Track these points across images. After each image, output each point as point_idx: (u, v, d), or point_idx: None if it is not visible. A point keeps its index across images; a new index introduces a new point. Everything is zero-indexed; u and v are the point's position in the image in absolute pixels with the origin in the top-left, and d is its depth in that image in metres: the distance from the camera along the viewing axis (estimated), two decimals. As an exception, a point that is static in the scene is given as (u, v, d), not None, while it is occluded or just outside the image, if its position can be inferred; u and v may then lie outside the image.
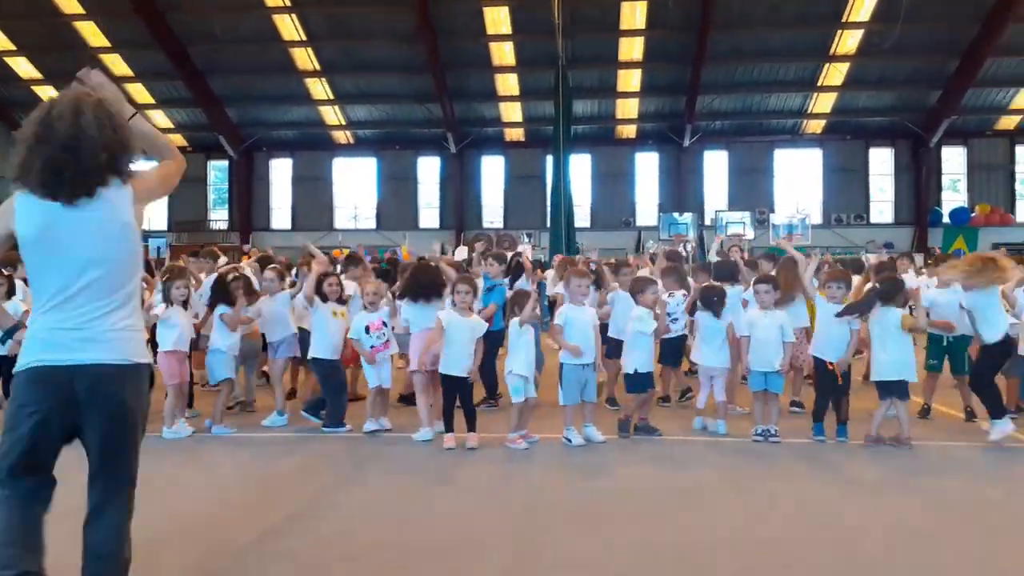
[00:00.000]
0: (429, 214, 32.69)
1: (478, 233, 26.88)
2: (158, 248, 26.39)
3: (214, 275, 8.65)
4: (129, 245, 2.85)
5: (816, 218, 29.18)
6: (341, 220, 32.80)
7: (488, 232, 28.14)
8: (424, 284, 7.26)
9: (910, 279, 9.26)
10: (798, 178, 31.09)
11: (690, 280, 8.63)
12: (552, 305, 9.90)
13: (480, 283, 7.93)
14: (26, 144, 2.78)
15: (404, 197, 32.48)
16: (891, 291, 6.66)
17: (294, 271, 9.82)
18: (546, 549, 4.27)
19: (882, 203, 31.25)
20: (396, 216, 32.02)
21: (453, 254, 18.47)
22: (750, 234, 24.19)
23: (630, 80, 28.48)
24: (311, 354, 7.33)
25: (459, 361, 6.54)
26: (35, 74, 28.45)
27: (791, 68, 27.61)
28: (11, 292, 7.39)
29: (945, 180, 31.10)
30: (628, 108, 30.14)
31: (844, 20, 25.29)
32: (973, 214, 29.10)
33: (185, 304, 7.24)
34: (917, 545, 4.35)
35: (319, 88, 29.34)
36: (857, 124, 30.16)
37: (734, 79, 27.92)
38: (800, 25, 25.58)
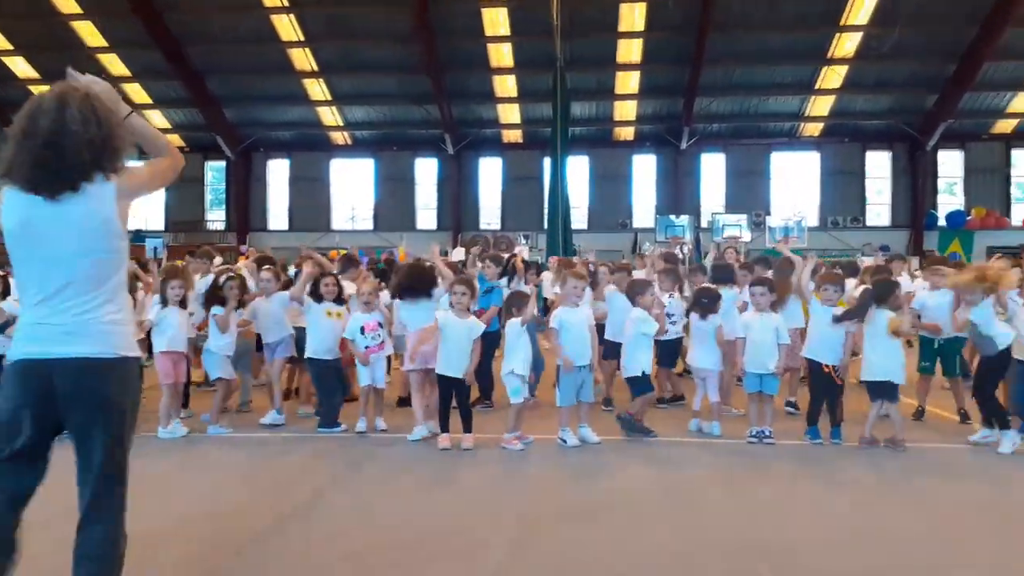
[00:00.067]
0: (426, 215, 32.69)
1: (475, 235, 26.92)
2: (155, 248, 26.36)
3: (209, 276, 8.67)
4: (111, 241, 2.82)
5: (813, 221, 29.23)
6: (338, 221, 32.79)
7: (485, 234, 28.19)
8: (414, 282, 7.27)
9: (905, 282, 9.29)
10: (795, 181, 31.13)
11: (686, 282, 8.66)
12: (548, 307, 9.92)
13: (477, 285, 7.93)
14: (14, 139, 2.79)
15: (401, 198, 32.49)
16: (884, 293, 6.68)
17: (292, 270, 9.84)
18: (541, 549, 4.28)
19: (879, 206, 31.32)
20: (393, 217, 32.03)
21: (450, 255, 18.48)
22: (747, 236, 24.21)
23: (628, 82, 28.52)
24: (306, 354, 7.35)
25: (456, 362, 6.56)
26: (32, 73, 28.42)
27: (789, 71, 27.67)
28: (6, 291, 7.39)
29: (941, 183, 31.17)
30: (626, 110, 30.18)
31: (842, 23, 25.36)
32: (969, 217, 29.17)
33: (183, 304, 7.24)
34: (910, 548, 4.35)
35: (317, 89, 29.35)
36: (854, 127, 30.22)
37: (732, 81, 27.97)
38: (798, 28, 25.64)
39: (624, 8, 25.28)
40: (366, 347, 7.10)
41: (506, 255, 9.51)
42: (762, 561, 4.11)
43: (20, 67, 28.52)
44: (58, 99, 2.78)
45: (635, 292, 7.12)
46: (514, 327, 6.81)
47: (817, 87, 28.09)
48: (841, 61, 26.80)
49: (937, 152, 30.18)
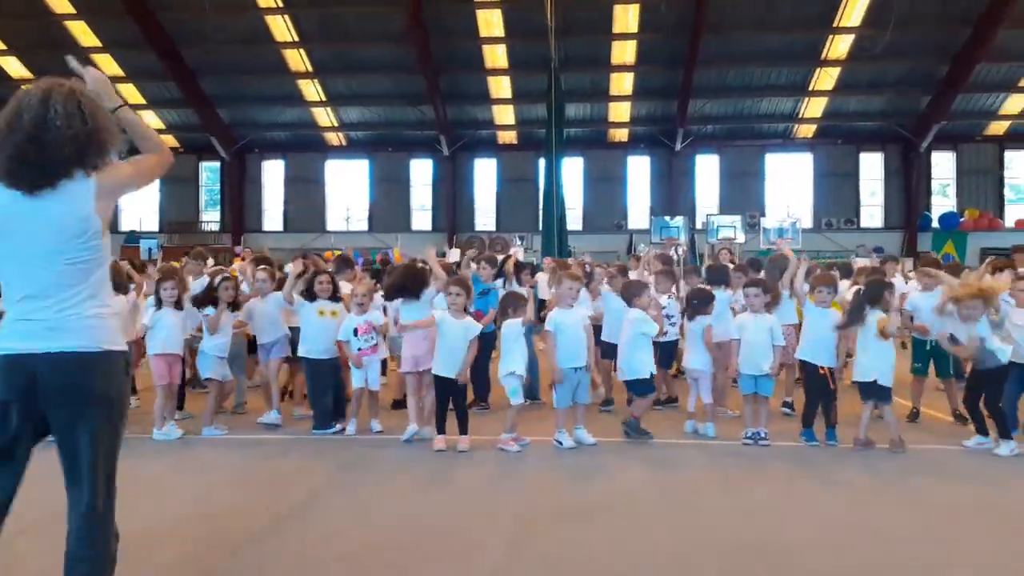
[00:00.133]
0: (422, 216, 32.69)
1: (471, 236, 26.92)
2: (149, 249, 26.31)
3: (203, 277, 8.69)
4: (89, 240, 2.78)
5: (807, 222, 29.29)
6: (333, 222, 32.76)
7: (481, 235, 28.19)
8: (405, 283, 7.26)
9: (899, 283, 9.32)
10: (789, 182, 31.23)
11: (682, 283, 8.69)
12: (544, 308, 9.93)
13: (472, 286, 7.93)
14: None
15: (396, 199, 32.48)
16: (876, 293, 6.69)
17: (287, 268, 9.82)
18: (537, 550, 4.29)
19: (872, 207, 31.43)
20: (388, 218, 32.02)
21: (447, 256, 18.48)
22: (741, 238, 24.24)
23: (622, 83, 28.57)
24: (299, 352, 7.36)
25: (452, 363, 6.57)
26: (26, 74, 28.30)
27: (782, 72, 27.75)
28: None
29: (935, 185, 31.30)
30: (620, 112, 30.23)
31: (835, 25, 25.44)
32: (962, 219, 29.29)
33: (178, 305, 7.22)
34: (905, 548, 4.38)
35: (311, 89, 29.33)
36: (848, 128, 30.32)
37: (726, 83, 28.04)
38: (791, 30, 25.72)
39: (618, 9, 25.33)
40: (359, 349, 7.09)
41: (501, 256, 9.52)
42: (758, 561, 4.12)
43: (13, 67, 28.43)
44: (43, 94, 2.77)
45: (632, 293, 7.13)
46: (513, 328, 6.79)
47: (810, 89, 28.19)
48: (834, 63, 26.88)
49: (930, 154, 30.28)
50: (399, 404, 8.11)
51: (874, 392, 6.57)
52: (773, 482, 5.73)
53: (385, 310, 7.99)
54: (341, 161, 32.90)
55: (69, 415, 2.75)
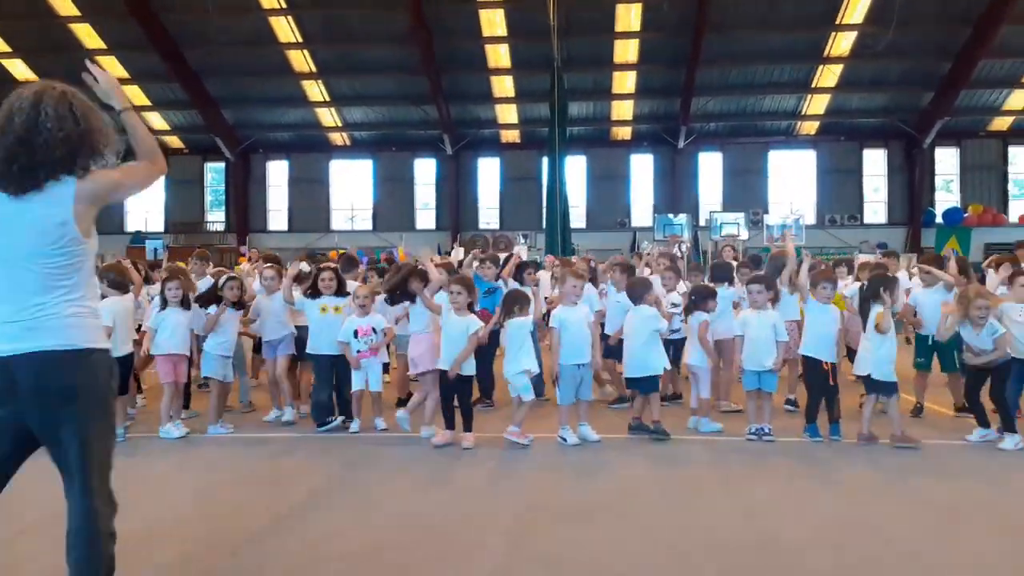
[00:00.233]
0: (425, 215, 32.74)
1: (474, 234, 26.95)
2: (155, 250, 26.41)
3: (205, 278, 8.75)
4: (67, 244, 2.77)
5: (810, 219, 29.24)
6: (338, 222, 32.84)
7: (484, 234, 28.23)
8: (401, 284, 7.29)
9: (903, 278, 9.33)
10: (792, 179, 31.22)
11: (684, 280, 8.71)
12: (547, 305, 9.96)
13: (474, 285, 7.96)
14: None
15: (400, 199, 32.53)
16: (875, 288, 6.71)
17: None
18: (540, 548, 4.31)
19: (876, 204, 31.40)
20: (392, 217, 32.07)
21: (452, 255, 18.52)
22: (744, 235, 24.26)
23: (625, 82, 28.58)
24: (307, 349, 7.42)
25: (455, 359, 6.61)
26: (31, 76, 28.40)
27: (785, 70, 27.73)
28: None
29: (938, 181, 31.25)
30: (623, 110, 30.24)
31: (838, 22, 25.42)
32: (966, 214, 29.24)
33: (184, 304, 7.26)
34: (907, 546, 4.38)
35: (315, 90, 29.40)
36: (851, 125, 30.29)
37: (728, 81, 28.03)
38: (794, 27, 25.70)
39: (620, 9, 25.33)
40: (358, 351, 7.12)
41: (504, 255, 9.55)
42: (759, 560, 4.14)
43: (19, 69, 28.53)
44: (34, 97, 2.79)
45: (639, 292, 7.15)
46: (523, 326, 6.81)
47: (813, 86, 28.16)
48: (837, 60, 26.86)
49: (934, 149, 30.25)
50: (403, 403, 8.15)
51: (877, 387, 6.59)
52: (775, 479, 5.74)
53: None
54: (345, 161, 32.96)
55: (51, 415, 2.73)
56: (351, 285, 7.82)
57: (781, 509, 5.04)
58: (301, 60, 27.96)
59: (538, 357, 7.55)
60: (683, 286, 8.45)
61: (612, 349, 7.97)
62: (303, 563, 4.09)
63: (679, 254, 15.70)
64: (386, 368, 8.41)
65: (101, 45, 27.27)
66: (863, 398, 7.02)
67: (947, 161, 31.05)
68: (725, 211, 27.70)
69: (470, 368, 6.73)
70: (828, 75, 27.53)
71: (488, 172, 32.46)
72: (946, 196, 31.02)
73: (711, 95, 28.43)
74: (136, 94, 29.25)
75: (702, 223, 28.02)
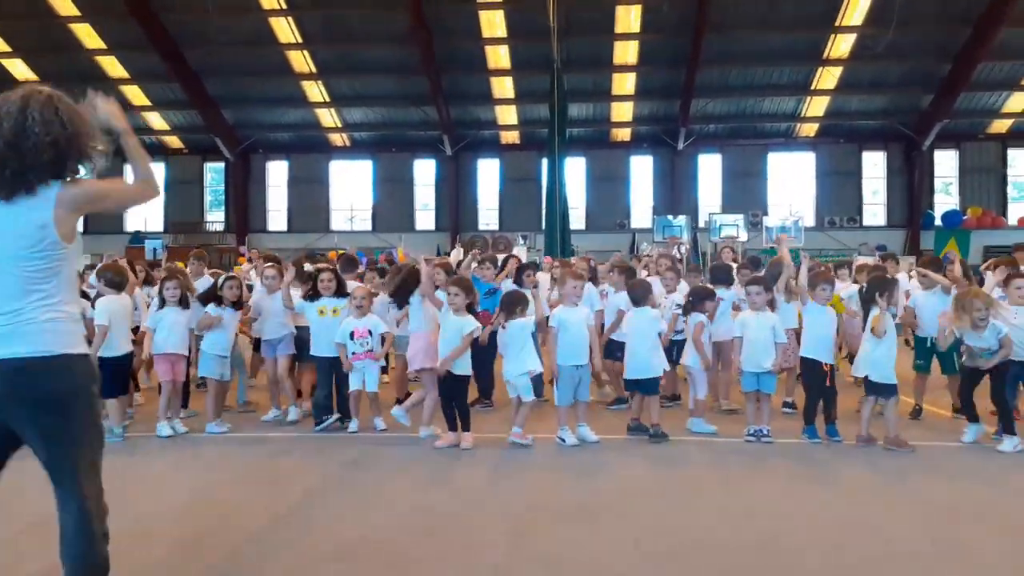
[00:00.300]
0: (425, 216, 32.75)
1: (474, 235, 26.96)
2: (154, 249, 26.42)
3: (202, 278, 8.76)
4: (44, 247, 2.76)
5: (809, 221, 29.27)
6: (337, 222, 32.85)
7: (484, 234, 28.24)
8: (408, 284, 7.30)
9: (903, 280, 9.33)
10: (791, 181, 31.23)
11: (683, 282, 8.72)
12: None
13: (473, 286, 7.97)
14: None
15: (400, 199, 32.53)
16: (871, 291, 6.71)
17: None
18: (539, 548, 4.32)
19: (875, 206, 31.42)
20: (392, 218, 32.07)
21: (451, 256, 18.52)
22: (743, 236, 24.29)
23: (625, 83, 28.60)
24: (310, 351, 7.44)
25: (460, 360, 6.63)
26: (31, 76, 28.41)
27: (785, 72, 27.75)
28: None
29: (937, 183, 31.27)
30: (623, 111, 30.26)
31: (837, 24, 25.44)
32: (965, 217, 29.27)
33: (183, 303, 7.27)
34: (906, 546, 4.39)
35: (315, 91, 29.40)
36: (850, 127, 30.31)
37: (728, 82, 28.05)
38: (794, 29, 25.72)
39: (620, 10, 25.35)
40: (353, 353, 7.11)
41: (502, 256, 9.56)
42: (758, 560, 4.14)
43: (19, 69, 28.51)
44: (21, 101, 2.79)
45: (640, 294, 7.16)
46: (524, 327, 6.81)
47: (813, 88, 28.18)
48: (836, 62, 26.88)
49: (933, 152, 30.27)
50: (401, 403, 8.16)
51: (876, 388, 6.59)
52: (774, 480, 5.75)
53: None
54: (345, 162, 32.97)
55: (33, 422, 2.74)
56: (351, 285, 7.83)
57: (780, 510, 5.04)
58: (301, 60, 27.96)
59: (539, 358, 7.57)
60: (684, 287, 8.46)
61: (612, 349, 7.98)
62: (302, 562, 4.09)
63: (678, 255, 15.71)
64: (385, 369, 8.42)
65: (101, 45, 27.27)
66: (862, 400, 7.02)
67: (946, 163, 31.07)
68: (724, 213, 27.73)
69: (466, 368, 6.74)
70: (828, 77, 27.56)
71: (488, 173, 32.47)
72: (945, 199, 31.04)
73: (711, 97, 28.45)
74: (136, 94, 29.27)
75: (701, 225, 28.04)
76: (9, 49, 27.78)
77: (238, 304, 7.63)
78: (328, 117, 30.96)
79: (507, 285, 8.36)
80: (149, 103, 29.88)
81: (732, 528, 4.62)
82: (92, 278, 8.61)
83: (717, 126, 30.50)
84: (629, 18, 25.71)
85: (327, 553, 4.21)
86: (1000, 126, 30.04)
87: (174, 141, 32.55)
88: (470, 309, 6.83)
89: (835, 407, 6.91)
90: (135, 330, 7.49)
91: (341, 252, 17.15)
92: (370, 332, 7.14)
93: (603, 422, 7.23)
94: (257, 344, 8.36)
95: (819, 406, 6.90)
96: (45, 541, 2.93)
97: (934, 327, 7.31)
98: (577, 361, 6.69)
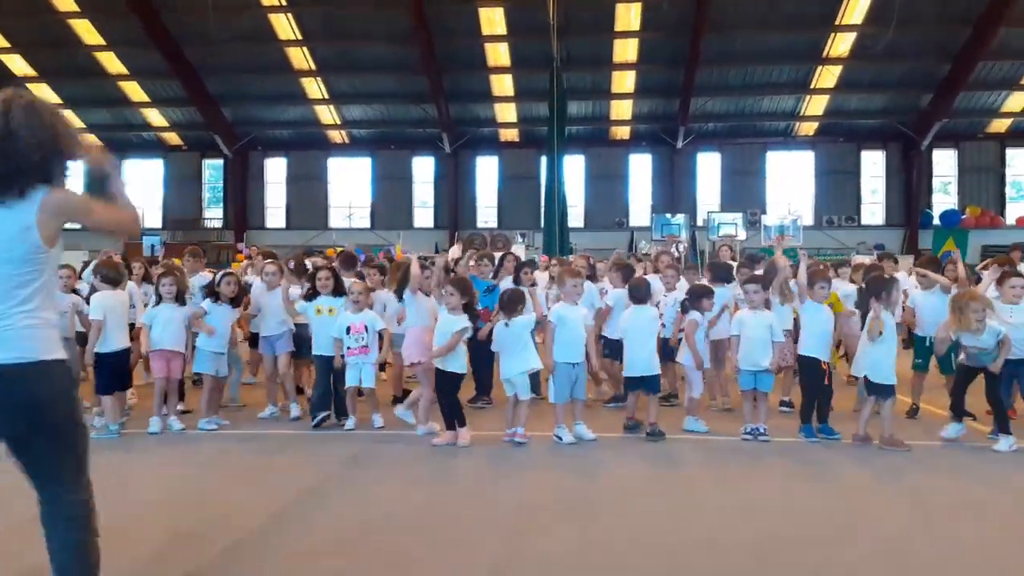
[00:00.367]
0: (424, 214, 32.74)
1: (472, 233, 26.97)
2: (152, 246, 26.41)
3: (198, 274, 8.75)
4: (28, 252, 2.77)
5: (808, 219, 29.30)
6: (336, 219, 32.83)
7: (483, 232, 28.25)
8: (403, 280, 7.32)
9: (903, 279, 9.33)
10: (790, 180, 31.25)
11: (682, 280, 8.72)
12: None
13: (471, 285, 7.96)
14: None
15: (399, 197, 32.52)
16: (869, 295, 6.72)
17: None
18: (536, 546, 4.32)
19: (873, 205, 31.44)
20: (391, 216, 32.06)
21: (448, 254, 18.52)
22: (742, 235, 24.30)
23: (624, 82, 28.60)
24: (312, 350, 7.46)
25: (453, 357, 6.63)
26: (29, 71, 28.40)
27: (784, 70, 27.76)
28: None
29: (936, 182, 31.29)
30: (622, 109, 30.26)
31: (837, 23, 25.45)
32: (963, 216, 29.30)
33: (179, 299, 7.25)
34: (902, 544, 4.40)
35: (314, 88, 29.39)
36: (849, 126, 30.33)
37: (727, 81, 28.06)
38: (793, 28, 25.73)
39: (620, 8, 25.35)
40: (348, 348, 7.11)
41: (499, 254, 9.55)
42: (755, 557, 4.15)
43: (17, 64, 28.50)
44: (3, 106, 2.81)
45: (640, 295, 7.16)
46: (525, 325, 6.79)
47: (812, 87, 28.19)
48: (836, 61, 26.89)
49: (932, 151, 30.28)
50: (398, 400, 8.16)
51: (874, 388, 6.60)
52: (771, 479, 5.76)
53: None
54: (344, 159, 32.96)
55: (14, 428, 2.76)
56: (349, 284, 7.83)
57: (778, 508, 5.05)
58: (300, 57, 27.94)
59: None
60: (684, 284, 8.47)
61: (610, 348, 7.98)
62: (300, 560, 4.08)
63: (676, 253, 15.71)
64: (383, 366, 8.41)
65: (101, 41, 27.25)
66: (860, 399, 7.03)
67: (945, 163, 31.09)
68: (723, 211, 27.78)
69: (458, 366, 6.73)
70: (827, 76, 27.56)
71: (487, 171, 32.47)
72: (944, 198, 31.06)
73: (710, 95, 28.45)
74: (135, 91, 29.26)
75: (700, 223, 28.06)
76: (8, 44, 27.74)
77: (235, 301, 7.62)
78: (327, 114, 30.94)
79: (507, 283, 8.37)
80: (148, 100, 29.84)
81: (729, 526, 4.62)
82: (87, 274, 8.59)
83: (716, 125, 30.51)
84: (629, 16, 25.71)
85: (325, 550, 4.21)
86: (999, 126, 30.06)
87: (173, 137, 32.54)
88: (470, 307, 6.82)
89: (829, 405, 6.91)
90: (132, 326, 7.48)
91: (340, 249, 17.14)
92: (366, 328, 7.14)
93: (600, 420, 7.24)
94: (253, 340, 8.35)
95: (816, 404, 6.90)
96: (38, 538, 2.92)
97: (933, 326, 7.32)
98: (573, 359, 6.70)
